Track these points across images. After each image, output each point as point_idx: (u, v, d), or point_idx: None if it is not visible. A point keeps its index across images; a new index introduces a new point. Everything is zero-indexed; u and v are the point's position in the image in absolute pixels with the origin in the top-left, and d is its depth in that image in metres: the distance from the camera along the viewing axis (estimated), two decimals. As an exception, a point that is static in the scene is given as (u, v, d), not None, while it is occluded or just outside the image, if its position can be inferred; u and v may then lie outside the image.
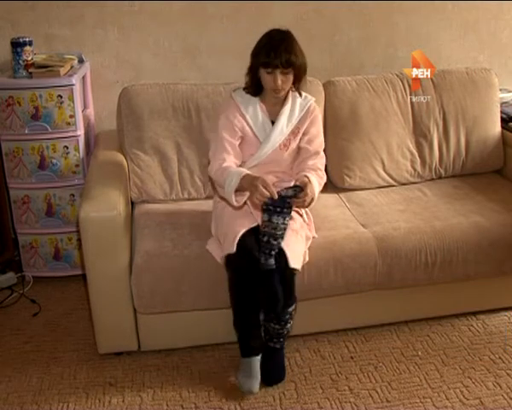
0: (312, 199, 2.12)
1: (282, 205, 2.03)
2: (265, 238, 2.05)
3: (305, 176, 2.15)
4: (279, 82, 2.13)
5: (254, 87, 2.24)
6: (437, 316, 2.54)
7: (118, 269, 2.20)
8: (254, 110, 2.25)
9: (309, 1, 3.00)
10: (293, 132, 2.28)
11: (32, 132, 2.63)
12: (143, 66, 2.98)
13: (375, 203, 2.64)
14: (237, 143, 2.24)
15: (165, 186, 2.64)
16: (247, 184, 2.05)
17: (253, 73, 2.21)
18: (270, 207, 2.03)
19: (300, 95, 2.30)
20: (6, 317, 2.64)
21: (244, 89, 2.27)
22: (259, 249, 2.06)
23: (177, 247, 2.26)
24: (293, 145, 2.29)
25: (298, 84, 2.24)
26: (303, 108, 2.29)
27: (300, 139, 2.30)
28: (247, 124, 2.24)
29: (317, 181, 2.17)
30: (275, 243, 2.05)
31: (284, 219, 2.04)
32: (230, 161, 2.19)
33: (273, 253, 2.05)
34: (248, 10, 2.97)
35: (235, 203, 2.10)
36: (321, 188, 2.22)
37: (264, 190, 1.99)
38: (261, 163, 2.27)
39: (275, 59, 2.09)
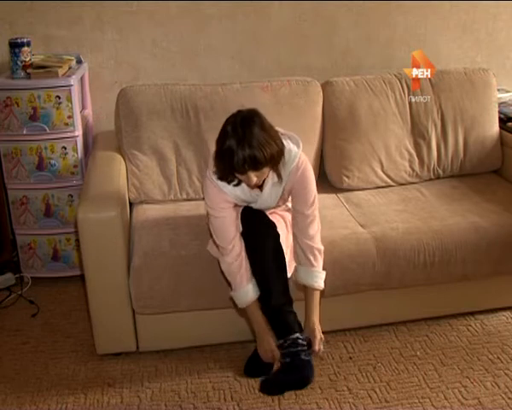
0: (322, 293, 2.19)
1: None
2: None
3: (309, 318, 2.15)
4: (254, 179, 1.92)
5: (234, 180, 2.02)
6: (435, 316, 2.54)
7: (116, 270, 2.20)
8: (239, 188, 2.07)
9: (307, 1, 3.01)
10: (282, 198, 2.16)
11: (30, 133, 2.63)
12: (141, 66, 2.98)
13: (373, 203, 2.65)
14: (234, 213, 2.11)
15: (163, 187, 2.64)
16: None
17: (224, 173, 1.99)
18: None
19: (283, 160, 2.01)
20: (4, 318, 2.63)
21: (221, 180, 2.03)
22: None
23: (176, 247, 2.26)
24: (285, 202, 2.23)
25: (276, 166, 2.00)
26: (288, 170, 2.06)
27: (290, 198, 2.18)
28: (235, 200, 2.10)
29: (319, 274, 2.14)
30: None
31: None
32: (238, 243, 2.09)
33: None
34: (247, 10, 2.97)
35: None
36: (322, 261, 2.16)
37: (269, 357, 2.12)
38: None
39: (239, 165, 1.87)
